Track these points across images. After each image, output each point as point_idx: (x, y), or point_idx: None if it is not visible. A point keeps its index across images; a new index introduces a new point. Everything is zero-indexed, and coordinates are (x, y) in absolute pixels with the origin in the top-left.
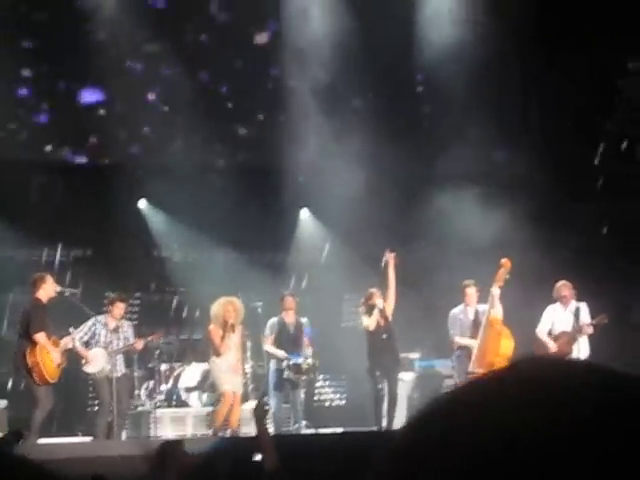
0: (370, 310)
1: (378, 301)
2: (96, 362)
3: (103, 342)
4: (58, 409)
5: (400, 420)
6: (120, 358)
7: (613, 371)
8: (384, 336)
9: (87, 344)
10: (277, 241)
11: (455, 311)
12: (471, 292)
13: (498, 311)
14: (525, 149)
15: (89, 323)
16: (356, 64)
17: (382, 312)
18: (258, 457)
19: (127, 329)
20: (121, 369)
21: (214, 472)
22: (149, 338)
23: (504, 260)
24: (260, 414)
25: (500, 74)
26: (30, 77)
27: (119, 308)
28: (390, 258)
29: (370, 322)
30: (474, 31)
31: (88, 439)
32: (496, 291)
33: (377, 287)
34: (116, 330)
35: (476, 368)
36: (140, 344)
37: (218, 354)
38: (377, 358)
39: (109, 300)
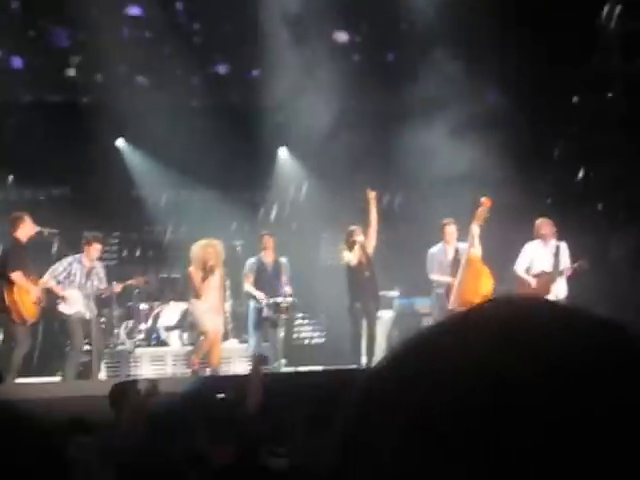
0: (351, 247)
1: (359, 238)
2: (72, 303)
3: (78, 283)
4: (37, 348)
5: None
6: (92, 300)
7: (593, 317)
8: (366, 273)
9: (60, 283)
10: (256, 180)
11: (434, 250)
12: (450, 230)
13: (478, 250)
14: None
15: (65, 262)
16: None
17: (363, 249)
18: (221, 395)
19: (99, 270)
20: (93, 311)
21: (184, 412)
22: (129, 282)
23: (484, 198)
24: (257, 362)
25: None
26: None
27: (95, 249)
28: (371, 196)
29: (352, 257)
30: None
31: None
32: (476, 230)
33: (357, 224)
34: (90, 271)
35: (455, 307)
36: (118, 287)
37: (198, 296)
38: (358, 294)
39: (85, 240)
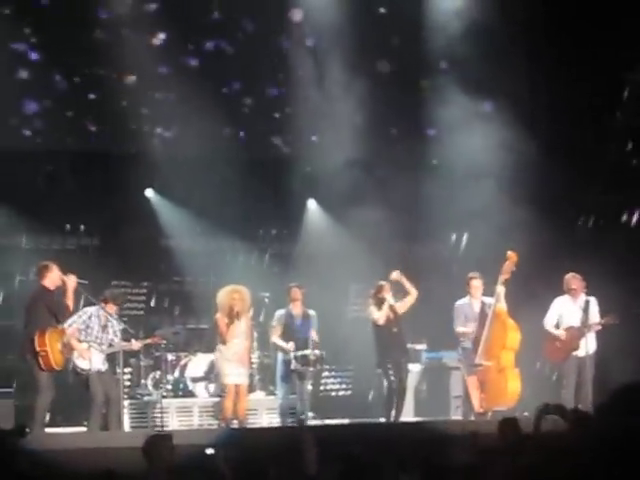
0: (379, 303)
1: (388, 295)
2: (90, 359)
3: (94, 336)
4: (64, 399)
5: (407, 412)
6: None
7: None
8: (394, 330)
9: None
10: (285, 232)
11: (460, 302)
12: (476, 284)
13: (503, 304)
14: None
15: (86, 314)
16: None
17: (392, 307)
18: (209, 451)
19: (115, 323)
20: (105, 364)
21: (216, 464)
22: (148, 341)
23: (510, 253)
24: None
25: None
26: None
27: (111, 309)
28: (397, 276)
29: (380, 316)
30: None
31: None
32: (501, 288)
33: (386, 280)
34: (105, 327)
35: (483, 360)
36: (137, 345)
37: (224, 342)
38: (387, 352)
39: (104, 297)
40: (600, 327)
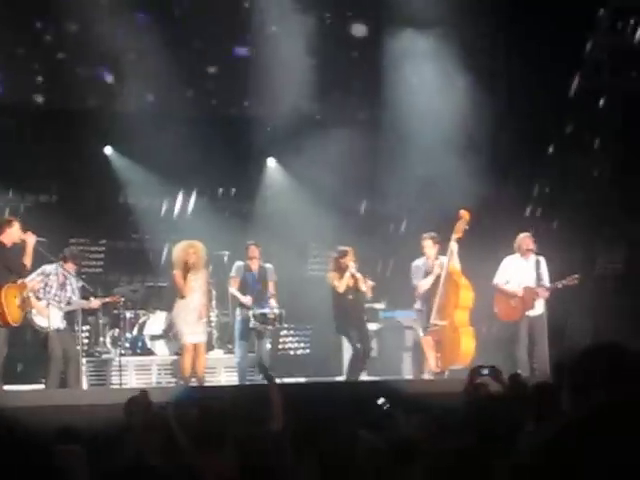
0: (341, 270)
1: (351, 264)
2: (49, 317)
3: (53, 294)
4: (22, 356)
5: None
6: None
7: None
8: (350, 296)
9: (36, 293)
10: (244, 190)
11: (417, 262)
12: (428, 244)
13: (456, 263)
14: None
15: (44, 273)
16: None
17: (353, 275)
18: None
19: (73, 281)
20: (63, 322)
21: (181, 421)
22: (107, 299)
23: (462, 212)
24: (266, 375)
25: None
26: None
27: (70, 267)
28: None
29: (340, 285)
30: None
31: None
32: (454, 245)
33: (346, 244)
34: (64, 285)
35: (437, 320)
36: (96, 304)
37: (182, 296)
38: (347, 318)
39: (63, 256)
40: (561, 286)
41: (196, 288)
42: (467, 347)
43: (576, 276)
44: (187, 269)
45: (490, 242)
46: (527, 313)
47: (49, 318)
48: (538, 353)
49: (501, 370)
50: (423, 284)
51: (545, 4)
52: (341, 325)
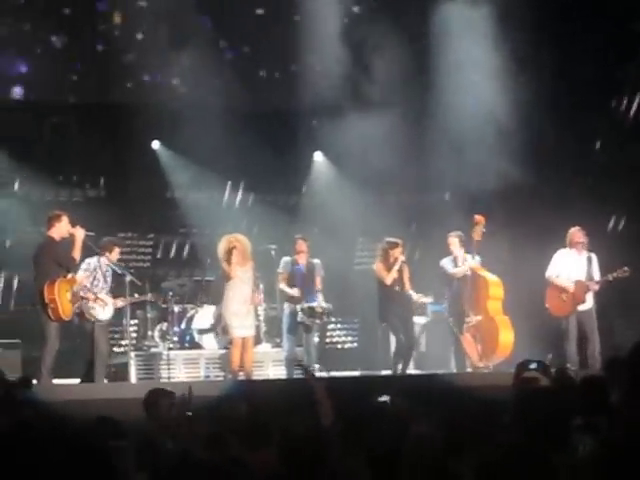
0: (388, 262)
1: (401, 257)
2: (108, 309)
3: (100, 287)
4: (69, 350)
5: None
6: None
7: None
8: (397, 288)
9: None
10: (291, 184)
11: (445, 260)
12: (453, 242)
13: (475, 261)
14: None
15: (89, 266)
16: None
17: (402, 269)
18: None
19: (108, 274)
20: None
21: (229, 416)
22: (142, 298)
23: (477, 217)
24: (307, 373)
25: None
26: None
27: (116, 252)
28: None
29: (388, 277)
30: None
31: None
32: (472, 257)
33: (395, 236)
34: (105, 277)
35: (472, 316)
36: (120, 304)
37: (229, 278)
38: (391, 308)
39: (104, 244)
40: (610, 280)
41: (245, 280)
42: (505, 336)
43: (626, 268)
44: (231, 256)
45: (539, 235)
46: (578, 308)
47: (105, 310)
48: (590, 347)
49: (549, 364)
50: (457, 271)
51: None
52: (384, 314)
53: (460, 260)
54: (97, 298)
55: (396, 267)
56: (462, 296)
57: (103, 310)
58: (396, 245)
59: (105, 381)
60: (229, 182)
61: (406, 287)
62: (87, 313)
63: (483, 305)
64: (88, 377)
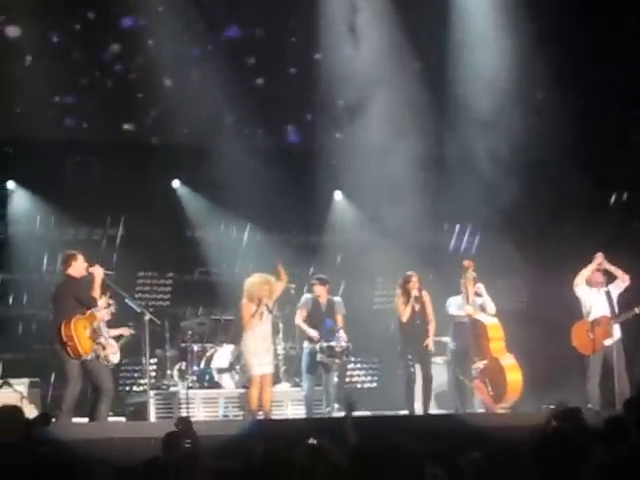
0: (407, 296)
1: (414, 291)
2: (118, 353)
3: (105, 330)
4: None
5: (434, 403)
6: None
7: None
8: (417, 322)
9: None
10: (311, 223)
11: (451, 299)
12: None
13: (469, 308)
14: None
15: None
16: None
17: (417, 299)
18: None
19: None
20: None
21: (246, 455)
22: (119, 331)
23: (466, 262)
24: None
25: None
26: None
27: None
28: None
29: (405, 312)
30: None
31: (121, 419)
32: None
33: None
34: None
35: (477, 362)
36: (114, 333)
37: (247, 328)
38: (409, 343)
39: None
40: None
41: (265, 319)
42: (513, 376)
43: None
44: (259, 306)
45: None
46: (604, 342)
47: (117, 354)
48: (622, 384)
49: (569, 406)
50: (456, 314)
51: None
52: (402, 348)
53: (470, 299)
54: (109, 345)
55: (410, 302)
56: (466, 341)
57: (115, 355)
58: (410, 279)
59: (123, 419)
60: (249, 221)
61: (429, 318)
62: (103, 358)
63: (486, 348)
64: (93, 416)
